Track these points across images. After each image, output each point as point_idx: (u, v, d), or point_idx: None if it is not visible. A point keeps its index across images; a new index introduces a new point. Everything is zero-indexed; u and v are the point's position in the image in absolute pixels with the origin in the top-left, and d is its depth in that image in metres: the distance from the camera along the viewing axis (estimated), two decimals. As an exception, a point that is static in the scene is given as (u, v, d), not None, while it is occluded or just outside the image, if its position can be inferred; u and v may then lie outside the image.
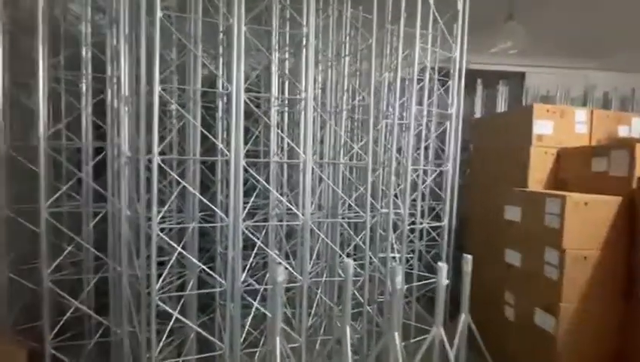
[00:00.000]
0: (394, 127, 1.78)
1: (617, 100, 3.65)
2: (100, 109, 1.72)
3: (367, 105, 1.66)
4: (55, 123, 1.69)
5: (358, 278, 1.72)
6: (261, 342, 1.89)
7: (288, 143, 1.81)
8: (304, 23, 1.53)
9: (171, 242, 1.43)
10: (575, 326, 1.52)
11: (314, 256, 1.81)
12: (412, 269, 2.00)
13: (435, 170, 2.23)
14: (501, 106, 3.52)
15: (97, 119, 1.74)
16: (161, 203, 1.55)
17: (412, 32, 1.74)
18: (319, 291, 1.82)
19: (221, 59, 1.73)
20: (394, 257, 1.86)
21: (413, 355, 1.59)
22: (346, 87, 1.84)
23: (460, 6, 1.88)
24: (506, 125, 2.14)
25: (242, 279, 1.53)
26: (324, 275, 1.89)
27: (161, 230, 1.40)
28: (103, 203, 1.69)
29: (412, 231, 2.05)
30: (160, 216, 1.43)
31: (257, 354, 1.82)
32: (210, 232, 2.04)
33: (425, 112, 1.91)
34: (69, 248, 1.57)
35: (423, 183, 2.12)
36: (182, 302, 1.69)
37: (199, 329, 1.49)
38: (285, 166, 1.87)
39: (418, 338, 1.91)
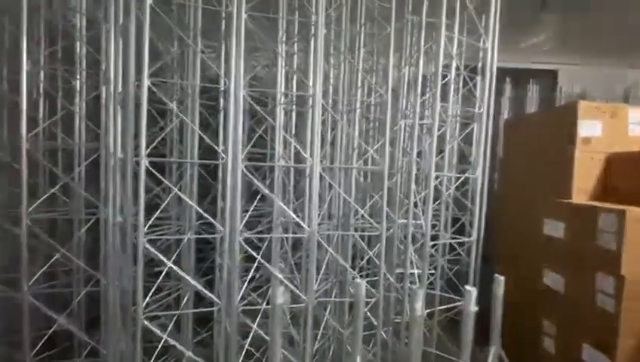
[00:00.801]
0: (414, 128, 1.58)
1: (662, 101, 3.30)
2: (96, 108, 1.60)
3: (384, 102, 1.47)
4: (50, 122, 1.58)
5: (370, 299, 1.52)
6: (264, 364, 1.72)
7: (295, 146, 1.64)
8: (313, 10, 1.36)
9: (159, 255, 1.28)
10: (633, 367, 1.27)
11: (322, 271, 1.62)
12: (433, 289, 1.77)
13: (460, 177, 2.00)
14: (532, 108, 3.23)
15: (93, 118, 1.63)
16: (156, 209, 1.42)
17: (435, 22, 1.54)
18: (327, 312, 1.63)
19: (223, 53, 1.59)
20: (412, 274, 1.65)
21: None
22: (360, 84, 1.65)
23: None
24: (544, 126, 1.88)
25: (240, 295, 1.36)
26: (333, 293, 1.69)
27: (154, 240, 1.26)
28: (96, 208, 1.57)
29: (433, 245, 1.83)
30: (149, 223, 1.29)
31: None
32: (211, 240, 1.89)
33: (450, 111, 1.69)
34: (55, 257, 1.45)
35: (447, 191, 1.90)
36: (175, 317, 1.54)
37: (189, 353, 1.33)
38: (292, 171, 1.69)
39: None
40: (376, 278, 1.57)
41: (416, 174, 1.66)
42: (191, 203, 1.42)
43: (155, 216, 1.35)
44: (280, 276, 1.48)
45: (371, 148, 1.68)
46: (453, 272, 1.95)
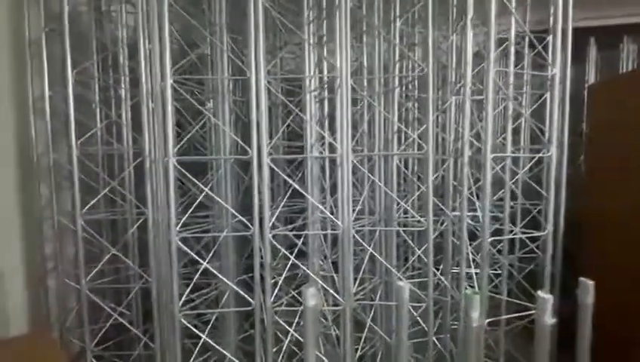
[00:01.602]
0: (465, 104, 1.34)
1: None
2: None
3: (425, 75, 1.27)
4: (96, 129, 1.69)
5: (420, 304, 1.34)
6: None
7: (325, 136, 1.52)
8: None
9: (191, 252, 1.28)
10: None
11: (362, 271, 1.48)
12: (499, 293, 1.51)
13: (533, 158, 1.67)
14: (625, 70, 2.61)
15: (135, 122, 1.71)
16: (197, 208, 1.43)
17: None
18: (370, 315, 1.48)
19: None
20: (469, 274, 1.42)
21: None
22: (397, 59, 1.46)
23: None
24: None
25: (274, 294, 1.29)
26: (378, 295, 1.54)
27: (198, 238, 1.25)
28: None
29: (499, 241, 1.55)
30: (182, 221, 1.29)
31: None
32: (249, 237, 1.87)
33: (512, 79, 1.40)
34: (110, 254, 1.55)
35: (513, 177, 1.60)
36: (216, 315, 1.55)
37: (225, 353, 1.31)
38: (327, 162, 1.58)
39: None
40: (426, 279, 1.38)
41: (471, 158, 1.42)
42: (218, 199, 1.40)
43: (188, 214, 1.36)
44: (314, 276, 1.38)
45: (415, 133, 1.48)
46: (524, 274, 1.65)
